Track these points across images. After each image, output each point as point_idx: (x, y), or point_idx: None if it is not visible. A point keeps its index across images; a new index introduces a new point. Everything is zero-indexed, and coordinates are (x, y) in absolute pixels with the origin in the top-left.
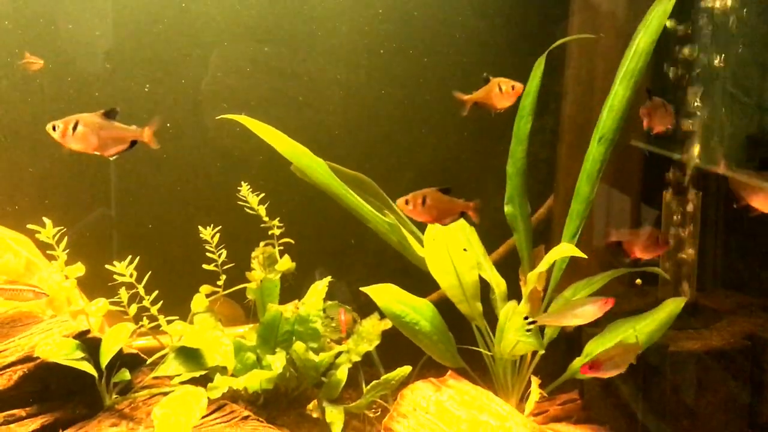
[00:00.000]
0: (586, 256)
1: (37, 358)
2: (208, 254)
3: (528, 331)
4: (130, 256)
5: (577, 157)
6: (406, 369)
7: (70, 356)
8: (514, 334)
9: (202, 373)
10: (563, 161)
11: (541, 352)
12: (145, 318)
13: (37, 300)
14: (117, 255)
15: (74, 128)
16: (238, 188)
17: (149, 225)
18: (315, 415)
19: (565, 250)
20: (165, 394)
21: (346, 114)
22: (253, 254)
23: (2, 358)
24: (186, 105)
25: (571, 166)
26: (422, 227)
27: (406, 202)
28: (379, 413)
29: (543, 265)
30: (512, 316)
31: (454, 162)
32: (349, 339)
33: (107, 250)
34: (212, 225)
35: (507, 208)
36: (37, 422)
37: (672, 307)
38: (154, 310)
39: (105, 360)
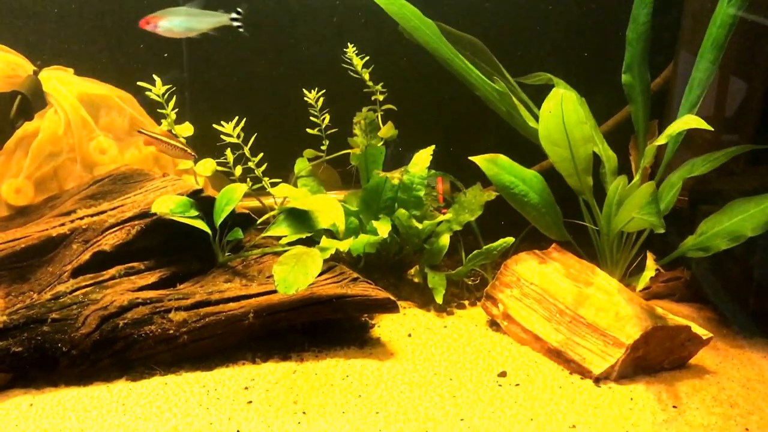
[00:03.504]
0: (711, 128)
1: (154, 214)
2: (312, 119)
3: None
4: (236, 117)
5: (702, 22)
6: (509, 239)
7: (186, 214)
8: (632, 210)
9: (308, 234)
10: (687, 26)
11: (661, 231)
12: (248, 179)
13: (185, 158)
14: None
15: None
16: (344, 50)
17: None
18: (416, 279)
19: (689, 121)
20: (276, 253)
21: None
22: (355, 119)
23: (120, 213)
24: None
25: (695, 34)
26: (533, 97)
27: None
28: (477, 281)
29: (662, 138)
30: (629, 193)
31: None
32: (448, 208)
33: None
34: (316, 89)
35: (625, 77)
36: (156, 275)
37: None
38: (258, 172)
39: (219, 218)
